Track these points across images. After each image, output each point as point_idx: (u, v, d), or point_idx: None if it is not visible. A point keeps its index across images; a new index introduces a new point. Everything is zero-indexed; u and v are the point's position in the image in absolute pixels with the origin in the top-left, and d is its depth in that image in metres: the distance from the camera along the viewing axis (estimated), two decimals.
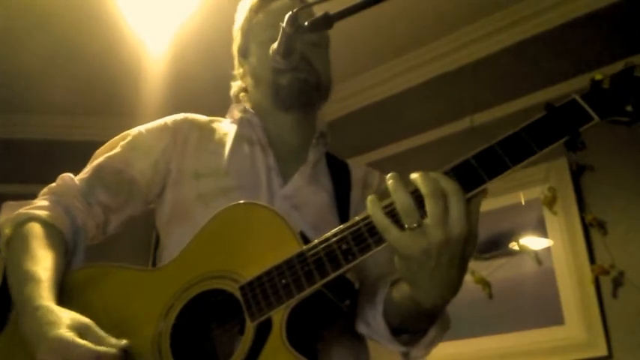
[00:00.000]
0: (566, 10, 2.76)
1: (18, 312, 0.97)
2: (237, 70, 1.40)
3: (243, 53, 1.37)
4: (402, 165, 3.08)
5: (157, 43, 3.02)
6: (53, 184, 1.20)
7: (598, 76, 0.93)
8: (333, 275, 0.90)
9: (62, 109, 3.57)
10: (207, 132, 1.29)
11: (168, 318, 0.99)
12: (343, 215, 1.21)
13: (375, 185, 1.33)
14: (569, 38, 2.74)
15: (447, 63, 3.11)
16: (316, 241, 0.93)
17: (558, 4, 2.77)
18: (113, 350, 0.88)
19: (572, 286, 2.38)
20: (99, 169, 1.22)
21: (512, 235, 2.58)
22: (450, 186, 0.84)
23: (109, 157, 1.23)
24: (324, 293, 0.93)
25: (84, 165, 1.27)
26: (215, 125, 1.32)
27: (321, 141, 1.32)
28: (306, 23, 1.10)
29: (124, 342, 0.91)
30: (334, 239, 0.92)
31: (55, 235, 1.09)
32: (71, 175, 1.21)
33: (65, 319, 0.90)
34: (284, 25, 1.09)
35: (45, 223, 1.10)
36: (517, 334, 2.47)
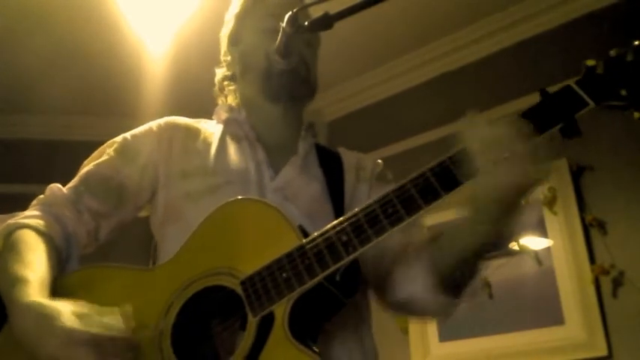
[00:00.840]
0: (566, 10, 2.76)
1: (9, 315, 0.96)
2: (225, 57, 1.39)
3: (234, 40, 1.36)
4: (402, 165, 3.07)
5: (158, 43, 3.02)
6: (41, 196, 1.21)
7: (591, 62, 0.94)
8: (333, 267, 0.91)
9: (62, 109, 3.57)
10: (192, 132, 1.29)
11: (169, 316, 0.99)
12: (337, 203, 1.21)
13: (369, 168, 1.32)
14: (569, 38, 2.74)
15: (447, 63, 3.11)
16: (316, 234, 0.94)
17: (558, 4, 2.77)
18: (118, 317, 0.90)
19: (572, 286, 2.39)
20: (86, 177, 1.23)
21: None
22: (529, 129, 0.87)
23: (96, 165, 1.24)
24: (325, 286, 0.93)
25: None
26: (201, 126, 1.32)
27: (310, 132, 1.32)
28: (306, 23, 1.10)
29: (127, 307, 0.93)
30: (334, 231, 0.92)
31: (46, 242, 1.09)
32: (59, 185, 1.22)
33: (62, 308, 0.90)
34: (284, 25, 1.10)
35: (36, 230, 1.10)
36: (517, 334, 2.47)
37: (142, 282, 1.07)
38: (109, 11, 2.84)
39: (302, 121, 1.33)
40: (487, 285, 2.57)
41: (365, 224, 0.90)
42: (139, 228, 1.32)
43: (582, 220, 2.43)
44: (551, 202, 2.51)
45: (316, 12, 1.16)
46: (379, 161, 1.36)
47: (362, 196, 1.24)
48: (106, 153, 1.26)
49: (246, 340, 0.92)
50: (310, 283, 0.91)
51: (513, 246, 2.59)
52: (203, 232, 1.05)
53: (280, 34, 1.13)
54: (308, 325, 0.95)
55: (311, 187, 1.22)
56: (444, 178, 0.91)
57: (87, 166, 1.25)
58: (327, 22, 1.10)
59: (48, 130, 3.65)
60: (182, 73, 3.16)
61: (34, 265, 1.02)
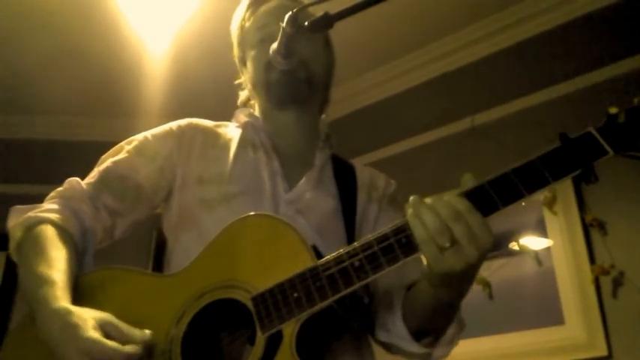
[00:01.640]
0: (566, 10, 2.76)
1: (34, 314, 0.97)
2: (242, 79, 1.42)
3: (242, 61, 1.39)
4: (402, 165, 3.08)
5: (158, 43, 3.02)
6: (60, 188, 1.21)
7: (613, 110, 0.93)
8: (344, 292, 0.92)
9: (64, 109, 3.57)
10: (211, 137, 1.30)
11: (180, 325, 0.99)
12: (349, 220, 1.22)
13: (381, 188, 1.33)
14: (569, 38, 2.74)
15: (448, 63, 3.11)
16: (329, 257, 0.95)
17: (558, 5, 2.77)
18: (138, 348, 0.91)
19: (572, 286, 2.39)
20: (105, 173, 1.23)
21: (512, 235, 2.58)
22: (464, 206, 0.87)
23: (115, 163, 1.24)
24: (335, 309, 0.95)
25: (86, 165, 1.28)
26: (220, 130, 1.33)
27: (327, 144, 1.33)
28: (306, 23, 1.10)
29: (147, 333, 0.94)
30: (347, 256, 0.93)
31: (65, 237, 1.10)
32: (78, 179, 1.22)
33: (89, 320, 0.91)
34: (284, 25, 1.10)
35: (55, 225, 1.11)
36: (517, 334, 2.47)
37: (157, 288, 1.07)
38: (110, 11, 2.84)
39: (318, 131, 1.34)
40: (487, 285, 2.58)
41: (378, 252, 0.92)
42: (139, 227, 1.32)
43: (582, 220, 2.43)
44: (551, 202, 2.51)
45: (316, 12, 1.16)
46: (392, 181, 1.37)
47: (371, 216, 1.26)
48: (125, 150, 1.26)
49: (253, 356, 0.93)
50: (320, 305, 0.92)
51: (513, 246, 2.59)
52: (219, 244, 1.05)
53: (280, 34, 1.13)
54: (315, 347, 0.96)
55: (325, 202, 1.23)
56: None
57: (105, 163, 1.25)
58: (327, 22, 1.10)
59: (49, 130, 3.66)
60: (182, 73, 3.16)
61: (59, 264, 1.03)
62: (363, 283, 0.92)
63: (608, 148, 0.90)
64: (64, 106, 3.53)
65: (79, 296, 1.01)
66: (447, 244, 0.86)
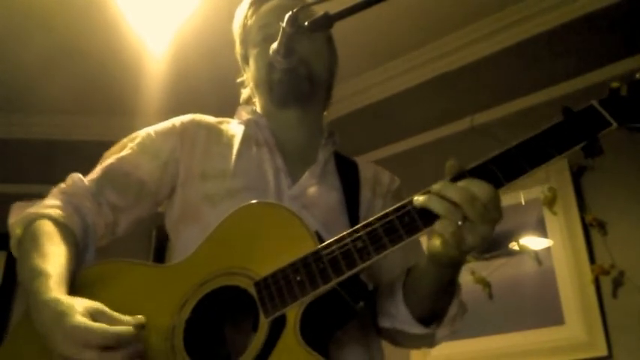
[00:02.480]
0: (566, 10, 2.76)
1: (30, 308, 0.97)
2: (244, 77, 1.43)
3: (244, 60, 1.40)
4: (401, 164, 3.08)
5: (157, 42, 3.02)
6: (62, 184, 1.21)
7: (615, 84, 0.94)
8: (348, 274, 0.92)
9: (62, 108, 3.56)
10: (214, 133, 1.30)
11: (183, 313, 0.99)
12: (353, 215, 1.22)
13: (385, 184, 1.34)
14: (569, 38, 2.74)
15: (447, 63, 3.11)
16: (331, 239, 0.95)
17: (558, 4, 2.77)
18: (130, 328, 0.89)
19: (572, 286, 2.38)
20: (108, 170, 1.23)
21: (512, 235, 2.58)
22: (477, 187, 0.89)
23: (119, 159, 1.25)
24: (339, 292, 0.94)
25: (85, 164, 1.28)
26: (223, 127, 1.33)
27: (330, 141, 1.33)
28: (306, 23, 1.10)
29: (139, 317, 0.92)
30: (349, 238, 0.93)
31: (66, 233, 1.10)
32: (80, 175, 1.22)
33: (77, 307, 0.90)
34: (284, 25, 1.10)
35: (55, 221, 1.11)
36: (517, 334, 2.47)
37: (158, 278, 1.08)
38: (109, 11, 2.83)
39: (322, 128, 1.34)
40: (487, 285, 2.58)
41: (381, 232, 0.92)
42: (139, 225, 1.31)
43: (582, 220, 2.43)
44: (551, 202, 2.51)
45: (316, 12, 1.16)
46: (396, 178, 1.38)
47: (377, 212, 1.26)
48: (128, 147, 1.26)
49: (257, 341, 0.92)
50: (323, 288, 0.92)
51: (513, 246, 2.59)
52: (221, 232, 1.06)
53: (280, 34, 1.13)
54: (319, 331, 0.96)
55: (328, 196, 1.23)
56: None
57: (109, 159, 1.25)
58: (327, 22, 1.10)
59: (48, 129, 3.65)
60: (182, 72, 3.16)
61: (55, 259, 1.02)
62: (367, 264, 0.91)
63: (611, 120, 0.91)
64: (63, 105, 3.53)
65: (78, 290, 1.01)
66: (460, 222, 0.88)
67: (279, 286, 0.94)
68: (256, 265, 0.98)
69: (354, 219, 1.20)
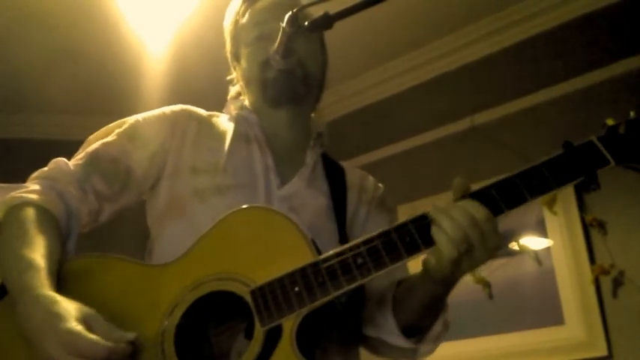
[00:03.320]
0: (566, 10, 2.76)
1: (14, 300, 0.94)
2: (233, 75, 1.40)
3: (235, 57, 1.37)
4: (401, 165, 3.08)
5: (157, 42, 3.02)
6: (45, 168, 1.17)
7: (610, 122, 0.97)
8: (346, 288, 0.92)
9: (62, 108, 3.56)
10: (205, 126, 1.28)
11: (173, 317, 0.97)
12: (340, 219, 1.21)
13: (370, 190, 1.33)
14: (568, 38, 2.74)
15: (447, 63, 3.11)
16: (331, 252, 0.95)
17: (558, 4, 2.77)
18: (123, 345, 0.88)
19: (572, 286, 2.39)
20: (95, 155, 1.19)
21: (512, 235, 2.58)
22: (480, 214, 0.92)
23: (106, 145, 1.21)
24: (335, 305, 0.95)
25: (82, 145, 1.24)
26: (214, 120, 1.31)
27: (317, 142, 1.32)
28: (306, 23, 1.10)
29: (131, 335, 0.90)
30: (350, 253, 0.94)
31: (50, 220, 1.07)
32: (65, 159, 1.18)
33: (72, 311, 0.88)
34: (284, 25, 1.10)
35: (39, 207, 1.07)
36: (517, 334, 2.47)
37: (146, 278, 1.05)
38: (109, 11, 2.83)
39: (310, 128, 1.33)
40: (487, 285, 2.57)
41: (382, 250, 0.93)
42: (137, 214, 1.30)
43: (582, 220, 2.43)
44: (551, 202, 2.51)
45: (316, 12, 1.16)
46: (380, 185, 1.37)
47: (361, 218, 1.27)
48: (116, 133, 1.23)
49: (252, 349, 0.92)
50: (321, 301, 0.92)
51: (513, 246, 2.59)
52: (214, 235, 1.03)
53: (280, 34, 1.12)
54: (311, 341, 0.95)
55: (317, 200, 1.22)
56: None
57: (95, 145, 1.21)
58: (327, 22, 1.10)
59: (47, 129, 3.65)
60: (181, 73, 3.16)
61: (43, 249, 0.99)
62: (366, 280, 0.92)
63: (610, 158, 0.93)
64: (63, 105, 3.53)
65: (62, 283, 0.98)
66: (463, 250, 0.91)
67: (275, 296, 0.93)
68: (251, 271, 0.97)
69: (341, 224, 1.20)
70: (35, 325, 0.88)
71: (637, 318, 2.22)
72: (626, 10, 2.56)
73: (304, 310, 0.92)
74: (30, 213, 1.05)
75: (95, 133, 1.25)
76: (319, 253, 0.96)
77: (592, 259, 2.37)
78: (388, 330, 1.10)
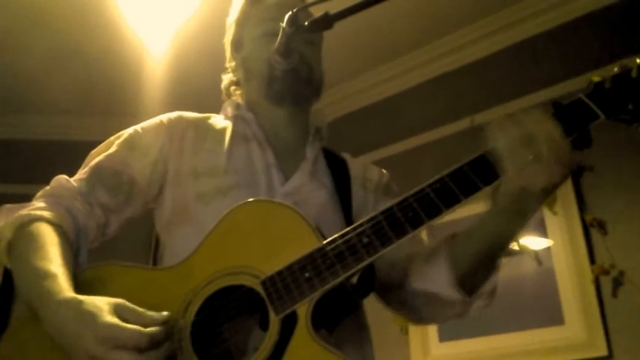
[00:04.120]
0: (566, 10, 2.76)
1: (36, 308, 0.94)
2: (229, 63, 1.40)
3: (236, 46, 1.36)
4: (402, 165, 3.08)
5: (158, 43, 3.02)
6: (48, 187, 1.18)
7: (596, 78, 0.99)
8: (355, 268, 0.93)
9: (62, 109, 3.57)
10: (202, 130, 1.28)
11: (187, 315, 0.98)
12: (346, 211, 1.21)
13: (375, 179, 1.33)
14: (569, 38, 2.74)
15: (447, 63, 3.11)
16: (335, 235, 0.96)
17: (558, 4, 2.77)
18: (161, 328, 0.87)
19: (572, 286, 2.38)
20: (98, 169, 1.20)
21: None
22: (555, 128, 0.90)
23: (107, 157, 1.22)
24: (345, 287, 0.95)
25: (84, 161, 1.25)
26: (210, 122, 1.31)
27: (317, 137, 1.32)
28: (306, 23, 1.10)
29: (165, 314, 0.90)
30: (354, 234, 0.94)
31: (60, 234, 1.07)
32: (66, 176, 1.19)
33: (103, 305, 0.88)
34: (284, 25, 1.10)
35: (49, 222, 1.07)
36: (517, 334, 2.47)
37: (157, 280, 1.06)
38: (110, 11, 2.84)
39: (308, 124, 1.33)
40: None
41: (386, 226, 0.93)
42: (138, 223, 1.29)
43: (582, 220, 2.43)
44: (551, 202, 2.51)
45: (316, 12, 1.16)
46: (384, 172, 1.37)
47: (369, 207, 1.26)
48: (115, 144, 1.24)
49: (269, 338, 0.92)
50: (332, 284, 0.92)
51: (513, 246, 2.59)
52: (220, 233, 1.04)
53: (280, 34, 1.13)
54: (326, 325, 0.96)
55: (320, 193, 1.22)
56: (462, 183, 0.96)
57: (97, 158, 1.22)
58: (327, 22, 1.10)
59: (48, 130, 3.66)
60: (182, 73, 3.16)
61: (58, 260, 1.00)
62: (373, 258, 0.93)
63: (599, 112, 0.95)
64: (63, 105, 3.53)
65: (77, 293, 0.98)
66: (531, 156, 0.87)
67: (286, 284, 0.94)
68: (260, 263, 0.98)
69: (347, 216, 1.20)
70: (68, 329, 0.88)
71: (637, 318, 2.22)
72: (626, 10, 2.56)
73: (317, 294, 0.92)
74: (40, 228, 1.06)
75: (96, 148, 1.26)
76: (325, 239, 0.97)
77: (592, 259, 2.37)
78: (442, 282, 1.07)
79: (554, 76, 2.68)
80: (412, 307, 1.18)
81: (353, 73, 3.26)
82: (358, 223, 0.96)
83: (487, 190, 0.93)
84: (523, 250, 2.55)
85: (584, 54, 2.63)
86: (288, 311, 0.93)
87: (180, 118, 1.30)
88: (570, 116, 0.95)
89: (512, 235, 1.03)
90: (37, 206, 1.11)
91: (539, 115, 0.91)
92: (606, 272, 2.31)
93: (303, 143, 1.28)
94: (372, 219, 0.95)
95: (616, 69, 0.98)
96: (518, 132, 0.89)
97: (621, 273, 2.29)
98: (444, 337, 2.61)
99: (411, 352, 2.67)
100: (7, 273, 1.05)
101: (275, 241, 0.99)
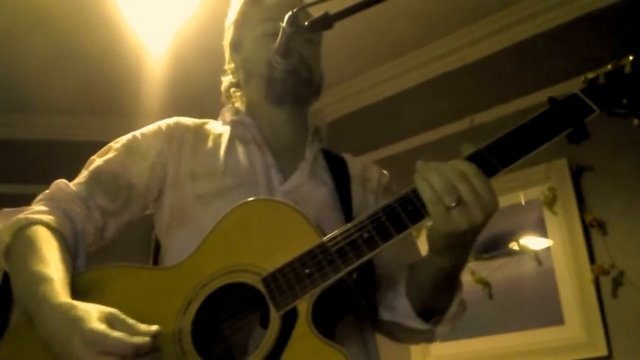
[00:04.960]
0: (566, 10, 2.76)
1: (31, 313, 0.95)
2: (229, 65, 1.40)
3: (236, 47, 1.36)
4: (402, 165, 3.06)
5: (157, 43, 3.02)
6: (47, 191, 1.18)
7: (590, 75, 1.02)
8: (356, 263, 0.93)
9: (62, 109, 3.57)
10: (200, 134, 1.29)
11: (188, 314, 0.98)
12: (346, 210, 1.22)
13: (375, 179, 1.33)
14: (569, 38, 2.74)
15: (447, 63, 3.11)
16: (335, 232, 0.96)
17: (558, 4, 2.77)
18: (147, 339, 0.87)
19: (572, 286, 2.39)
20: (96, 173, 1.21)
21: (512, 235, 2.58)
22: (470, 169, 0.90)
23: (106, 162, 1.22)
24: (346, 283, 0.96)
25: (84, 166, 1.26)
26: (208, 127, 1.32)
27: (316, 137, 1.32)
28: (306, 23, 1.10)
29: (154, 327, 0.90)
30: (354, 229, 0.95)
31: (58, 237, 1.07)
32: (65, 181, 1.20)
33: (93, 312, 0.88)
34: (284, 25, 1.10)
35: (48, 226, 1.08)
36: (517, 334, 2.47)
37: (156, 281, 1.06)
38: (109, 12, 2.83)
39: (307, 124, 1.33)
40: (487, 285, 2.58)
41: (386, 221, 0.93)
42: (137, 226, 1.30)
43: (582, 220, 2.43)
44: (551, 202, 2.51)
45: (316, 12, 1.16)
46: (384, 172, 1.38)
47: (369, 207, 1.26)
48: (114, 149, 1.24)
49: (269, 335, 0.93)
50: (333, 279, 0.93)
51: (513, 246, 2.59)
52: (219, 232, 1.05)
53: (280, 34, 1.13)
54: (327, 322, 0.96)
55: (320, 192, 1.23)
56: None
57: (95, 163, 1.23)
58: (327, 22, 1.10)
59: (48, 130, 3.65)
60: (182, 74, 3.16)
61: (56, 263, 1.00)
62: (374, 252, 0.93)
63: (594, 106, 0.98)
64: (63, 105, 3.53)
65: (75, 297, 0.98)
66: (453, 204, 0.88)
67: (288, 280, 0.94)
68: (261, 261, 0.98)
69: (347, 215, 1.20)
70: (58, 333, 0.88)
71: (637, 318, 2.22)
72: (626, 10, 2.56)
73: (318, 290, 0.93)
74: (38, 232, 1.06)
75: (97, 153, 1.27)
76: (325, 236, 0.97)
77: (592, 259, 2.37)
78: (403, 313, 1.10)
79: (554, 76, 2.68)
80: (387, 332, 1.21)
81: (353, 73, 3.26)
82: (359, 219, 0.96)
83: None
84: (523, 250, 2.55)
85: (584, 54, 2.63)
86: (289, 307, 0.93)
87: (178, 124, 1.30)
88: (566, 111, 0.98)
89: (459, 265, 1.03)
90: (36, 210, 1.11)
91: (458, 162, 0.91)
92: (606, 272, 2.31)
93: (302, 144, 1.29)
94: (372, 215, 0.95)
95: (610, 65, 1.01)
96: (439, 181, 0.89)
97: (621, 273, 2.29)
98: (444, 337, 2.61)
99: (411, 352, 2.67)
100: (6, 277, 1.05)
101: (275, 239, 0.99)
